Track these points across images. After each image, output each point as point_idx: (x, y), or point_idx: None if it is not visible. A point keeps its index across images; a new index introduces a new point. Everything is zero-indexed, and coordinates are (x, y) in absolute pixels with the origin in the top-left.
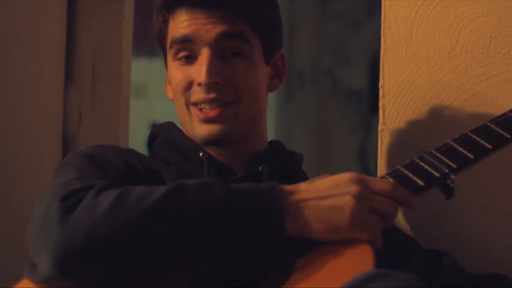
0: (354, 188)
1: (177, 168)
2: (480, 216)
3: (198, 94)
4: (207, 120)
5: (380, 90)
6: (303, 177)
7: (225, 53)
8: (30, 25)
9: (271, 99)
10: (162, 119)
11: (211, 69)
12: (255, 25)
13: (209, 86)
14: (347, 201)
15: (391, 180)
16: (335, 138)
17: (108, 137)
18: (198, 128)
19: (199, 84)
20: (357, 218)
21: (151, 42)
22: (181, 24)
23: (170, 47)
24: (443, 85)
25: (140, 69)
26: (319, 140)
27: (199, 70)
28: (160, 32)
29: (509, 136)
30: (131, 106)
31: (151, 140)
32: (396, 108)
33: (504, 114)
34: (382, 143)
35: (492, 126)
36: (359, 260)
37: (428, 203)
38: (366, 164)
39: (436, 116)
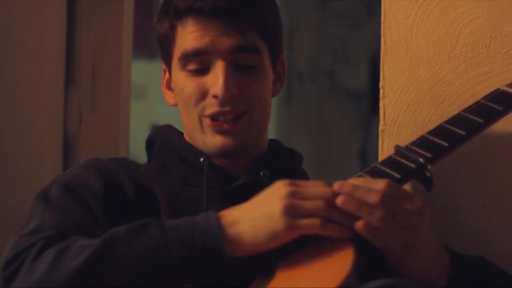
0: (281, 191)
1: (176, 173)
2: (478, 215)
3: (212, 107)
4: (222, 132)
5: (381, 91)
6: (304, 177)
7: (237, 64)
8: (30, 27)
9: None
10: (162, 121)
11: (228, 82)
12: (265, 34)
13: (226, 99)
14: (275, 204)
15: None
16: (335, 137)
17: (108, 139)
18: (212, 139)
19: (215, 97)
20: (291, 216)
21: (151, 44)
22: (192, 34)
23: (180, 58)
24: (443, 85)
25: (140, 71)
26: (319, 140)
27: (215, 82)
28: (166, 38)
29: (482, 121)
30: (131, 107)
31: (150, 144)
32: (397, 109)
33: (477, 102)
34: (383, 143)
35: (466, 114)
36: (338, 260)
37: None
38: (366, 164)
39: (437, 117)
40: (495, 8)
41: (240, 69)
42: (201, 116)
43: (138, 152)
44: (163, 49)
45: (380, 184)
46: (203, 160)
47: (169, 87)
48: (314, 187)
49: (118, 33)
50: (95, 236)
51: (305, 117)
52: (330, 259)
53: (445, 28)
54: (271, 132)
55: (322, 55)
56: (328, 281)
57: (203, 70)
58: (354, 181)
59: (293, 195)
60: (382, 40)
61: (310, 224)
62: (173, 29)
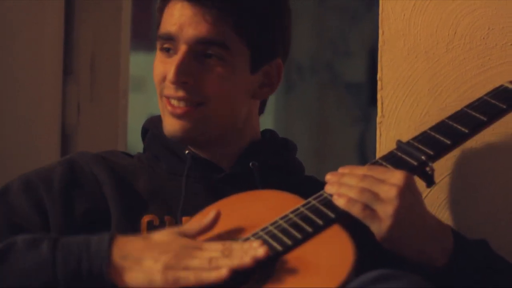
0: (175, 244)
1: (164, 163)
2: (480, 211)
3: (168, 89)
4: (174, 115)
5: (379, 83)
6: (298, 166)
7: (202, 54)
8: (28, 19)
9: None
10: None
11: (181, 69)
12: (244, 33)
13: (177, 84)
14: (162, 256)
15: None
16: (334, 130)
17: (106, 131)
18: (166, 121)
19: (168, 80)
20: (170, 272)
21: (150, 35)
22: (169, 17)
23: (157, 39)
24: (441, 77)
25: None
26: (319, 132)
27: (171, 67)
28: (157, 20)
29: (485, 119)
30: (129, 99)
31: (144, 134)
32: (395, 101)
33: (480, 98)
34: (380, 135)
35: (469, 111)
36: (338, 259)
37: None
38: (365, 156)
39: (435, 108)
40: (493, 0)
41: (203, 60)
42: (161, 97)
43: (136, 143)
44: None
45: (360, 170)
46: (187, 152)
47: None
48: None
49: (116, 25)
50: None
51: (304, 110)
52: (330, 257)
53: (443, 20)
54: (270, 124)
55: (321, 48)
56: (329, 280)
57: (171, 52)
58: (341, 169)
59: (183, 250)
60: (380, 32)
61: (186, 279)
62: (161, 12)
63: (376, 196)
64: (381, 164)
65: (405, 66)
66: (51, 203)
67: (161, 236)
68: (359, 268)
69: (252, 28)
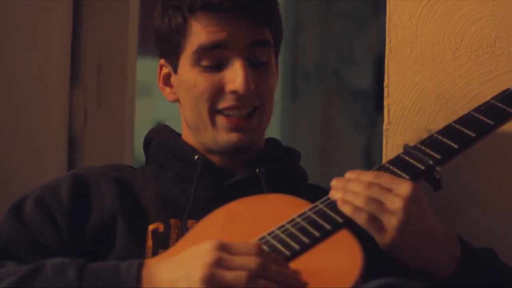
0: (207, 257)
1: (172, 172)
2: (482, 215)
3: (227, 101)
4: (237, 129)
5: (385, 90)
6: (302, 174)
7: (251, 61)
8: (35, 24)
9: (277, 98)
10: (167, 118)
11: (249, 78)
12: (274, 31)
13: (246, 94)
14: (197, 270)
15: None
16: (340, 137)
17: (113, 137)
18: (226, 136)
19: (233, 92)
20: (210, 286)
21: None
22: (208, 28)
23: (195, 52)
24: (448, 84)
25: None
26: (325, 139)
27: (234, 78)
28: (176, 33)
29: (492, 123)
30: (136, 105)
31: (146, 145)
32: (401, 108)
33: (487, 102)
34: (387, 142)
35: (476, 115)
36: (347, 264)
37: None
38: (371, 163)
39: (441, 116)
40: (500, 8)
41: (254, 66)
42: (213, 112)
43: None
44: (167, 44)
45: (367, 176)
46: (197, 158)
47: (166, 83)
48: (241, 257)
49: (123, 30)
50: (49, 254)
51: (310, 117)
52: (339, 262)
53: (450, 27)
54: (276, 131)
55: (327, 55)
56: (338, 285)
57: (218, 66)
58: (348, 174)
59: (217, 263)
60: (387, 39)
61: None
62: (185, 23)
63: (381, 206)
64: (388, 169)
65: (411, 74)
66: (61, 217)
67: (195, 249)
68: (367, 273)
69: (277, 27)
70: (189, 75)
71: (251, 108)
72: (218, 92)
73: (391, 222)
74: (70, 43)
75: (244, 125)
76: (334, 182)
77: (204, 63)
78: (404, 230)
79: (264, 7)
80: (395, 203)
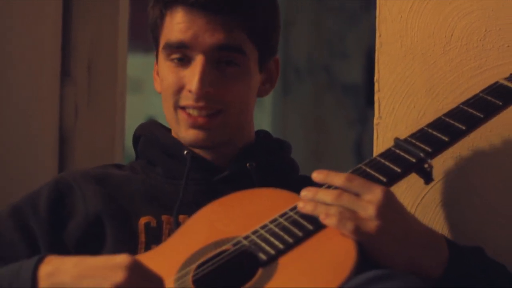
0: (117, 277)
1: (161, 167)
2: (479, 211)
3: (187, 99)
4: (196, 127)
5: (376, 84)
6: (292, 166)
7: (219, 61)
8: (26, 20)
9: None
10: (158, 114)
11: (204, 79)
12: (254, 35)
13: (200, 96)
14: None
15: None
16: (331, 131)
17: (104, 133)
18: (185, 133)
19: (190, 91)
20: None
21: (147, 37)
22: (178, 25)
23: (164, 48)
24: (438, 78)
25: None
26: (316, 134)
27: (192, 77)
28: (155, 25)
29: (482, 116)
30: (127, 101)
31: (136, 141)
32: (392, 102)
33: (476, 95)
34: (377, 136)
35: (465, 108)
36: (341, 256)
37: (429, 203)
38: (362, 158)
39: (432, 110)
40: (490, 2)
41: (221, 67)
42: (176, 108)
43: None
44: (152, 35)
45: (337, 179)
46: (186, 153)
47: (158, 73)
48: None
49: (114, 26)
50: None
51: (301, 111)
52: (333, 254)
53: (440, 21)
54: (267, 126)
55: (318, 50)
56: (332, 277)
57: (183, 61)
58: (316, 174)
59: (128, 283)
60: (377, 34)
61: None
62: (162, 18)
63: (355, 215)
64: (379, 162)
65: (402, 68)
66: (38, 226)
67: (105, 261)
68: (360, 264)
69: (260, 29)
70: (162, 68)
71: (214, 110)
72: (179, 89)
73: (368, 230)
74: (61, 40)
75: (204, 124)
76: (303, 193)
77: (173, 56)
78: (383, 234)
79: (239, 9)
80: (368, 210)
